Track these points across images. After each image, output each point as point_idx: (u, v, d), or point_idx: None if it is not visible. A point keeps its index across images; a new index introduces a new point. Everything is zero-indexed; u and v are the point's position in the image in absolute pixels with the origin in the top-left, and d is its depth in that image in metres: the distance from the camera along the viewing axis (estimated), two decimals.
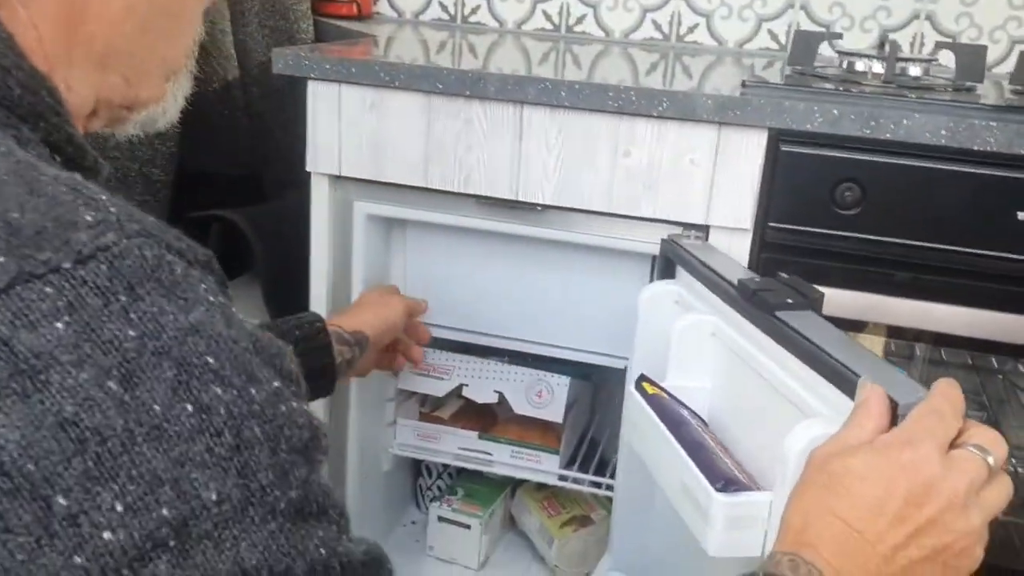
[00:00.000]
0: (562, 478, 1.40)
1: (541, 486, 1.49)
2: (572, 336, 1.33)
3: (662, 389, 0.96)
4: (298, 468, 0.41)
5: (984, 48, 1.26)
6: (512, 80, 1.12)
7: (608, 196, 1.14)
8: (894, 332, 1.18)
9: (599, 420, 1.56)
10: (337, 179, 1.24)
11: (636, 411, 0.95)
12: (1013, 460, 1.42)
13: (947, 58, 1.35)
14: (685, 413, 0.93)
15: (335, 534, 0.43)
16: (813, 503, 0.58)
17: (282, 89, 1.53)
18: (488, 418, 1.46)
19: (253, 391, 0.40)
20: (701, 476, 0.80)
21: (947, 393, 0.62)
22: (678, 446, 0.86)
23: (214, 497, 0.38)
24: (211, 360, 0.39)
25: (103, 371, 0.36)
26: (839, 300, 1.08)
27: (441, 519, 1.45)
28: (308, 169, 1.24)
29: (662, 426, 0.89)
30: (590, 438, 1.51)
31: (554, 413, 1.37)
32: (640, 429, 0.95)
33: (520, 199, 1.17)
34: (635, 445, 0.98)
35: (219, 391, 0.39)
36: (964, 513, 0.57)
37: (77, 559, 0.35)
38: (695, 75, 1.34)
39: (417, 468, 1.59)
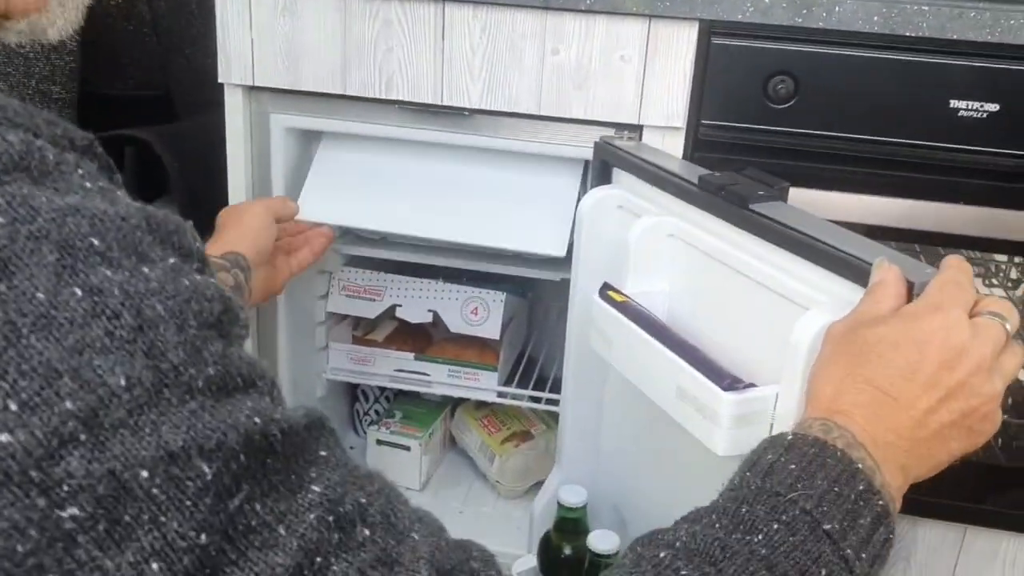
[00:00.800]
0: (501, 395, 1.38)
1: (480, 404, 1.47)
2: (505, 248, 1.29)
3: (626, 296, 0.93)
4: (212, 343, 0.39)
5: None
6: None
7: (537, 97, 1.10)
8: None
9: (536, 336, 1.54)
10: (251, 90, 1.18)
11: (606, 320, 0.92)
12: None
13: None
14: (655, 318, 0.90)
15: (268, 404, 0.40)
16: (843, 373, 0.58)
17: (190, 2, 1.45)
18: (423, 338, 1.43)
19: (146, 269, 0.37)
20: (703, 378, 0.78)
21: (960, 266, 0.63)
22: (669, 351, 0.83)
23: (122, 383, 0.35)
24: (96, 241, 0.36)
25: None
26: None
27: (380, 443, 1.43)
28: (220, 80, 1.17)
29: (644, 333, 0.86)
30: (528, 354, 1.49)
31: (491, 330, 1.34)
32: (613, 338, 0.92)
33: (445, 104, 1.12)
34: (606, 355, 0.95)
35: (108, 272, 0.36)
36: (990, 378, 0.58)
37: None
38: None
39: (353, 393, 1.56)
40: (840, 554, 0.50)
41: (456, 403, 1.50)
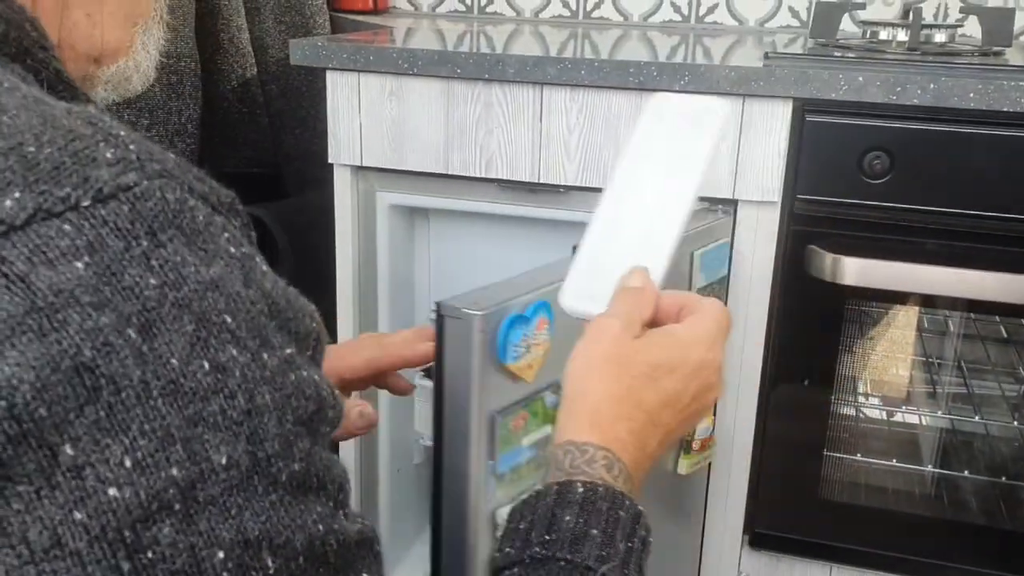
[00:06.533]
0: None
1: None
2: None
3: None
4: (301, 440, 0.39)
5: (1012, 11, 1.23)
6: (531, 61, 1.11)
7: None
8: (927, 302, 1.17)
9: None
10: (359, 170, 1.24)
11: None
12: None
13: (973, 28, 1.32)
14: None
15: (331, 511, 0.41)
16: (623, 393, 0.57)
17: (300, 86, 1.53)
18: None
19: (266, 356, 0.38)
20: None
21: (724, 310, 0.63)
22: None
23: (223, 461, 0.36)
24: (229, 319, 0.37)
25: (123, 317, 0.34)
26: (871, 271, 1.07)
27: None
28: (330, 160, 1.24)
29: None
30: None
31: None
32: None
33: (542, 181, 1.16)
34: None
35: (235, 352, 0.37)
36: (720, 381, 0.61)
37: (77, 514, 0.33)
38: (717, 52, 1.32)
39: None
40: None
41: None
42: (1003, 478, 1.28)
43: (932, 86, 1.02)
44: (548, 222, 1.22)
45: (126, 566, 0.33)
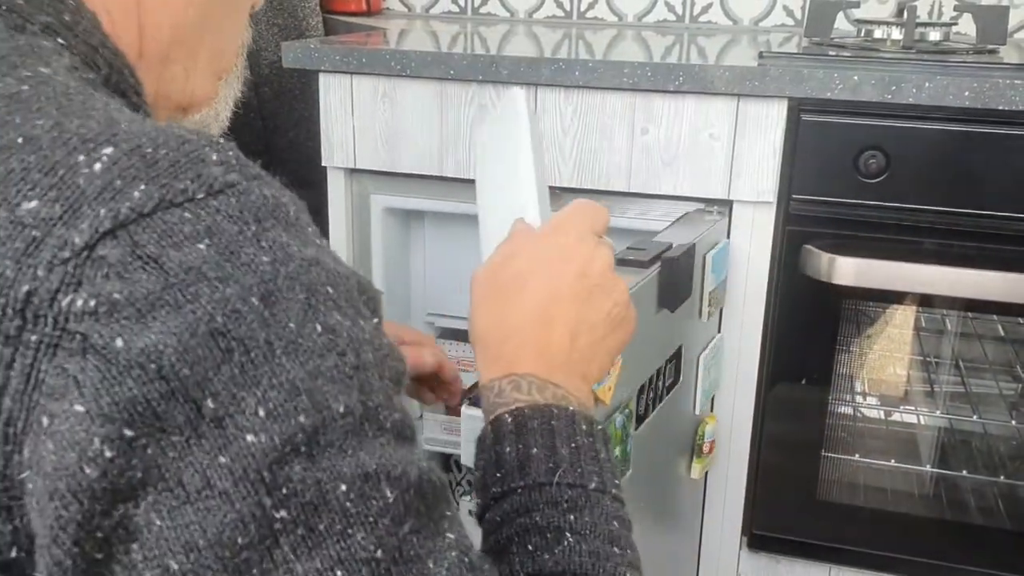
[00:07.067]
0: None
1: None
2: None
3: None
4: (396, 395, 0.44)
5: (1006, 9, 1.23)
6: (525, 62, 1.11)
7: (627, 175, 1.12)
8: (924, 302, 1.16)
9: None
10: (353, 172, 1.24)
11: None
12: None
13: (967, 26, 1.32)
14: None
15: (421, 455, 0.45)
16: (497, 318, 0.60)
17: (293, 88, 1.53)
18: None
19: (362, 322, 0.43)
20: None
21: (586, 202, 0.64)
22: None
23: (341, 409, 0.41)
24: (331, 290, 0.42)
25: (245, 288, 0.39)
26: (867, 270, 1.06)
27: (472, 513, 1.44)
28: (323, 163, 1.23)
29: None
30: None
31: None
32: None
33: None
34: None
35: (339, 317, 0.42)
36: (616, 278, 0.61)
37: (222, 459, 0.38)
38: (711, 52, 1.32)
39: (446, 463, 1.58)
40: (611, 495, 0.54)
41: None
42: (1001, 477, 1.28)
43: (927, 85, 1.01)
44: None
45: (267, 501, 0.38)
